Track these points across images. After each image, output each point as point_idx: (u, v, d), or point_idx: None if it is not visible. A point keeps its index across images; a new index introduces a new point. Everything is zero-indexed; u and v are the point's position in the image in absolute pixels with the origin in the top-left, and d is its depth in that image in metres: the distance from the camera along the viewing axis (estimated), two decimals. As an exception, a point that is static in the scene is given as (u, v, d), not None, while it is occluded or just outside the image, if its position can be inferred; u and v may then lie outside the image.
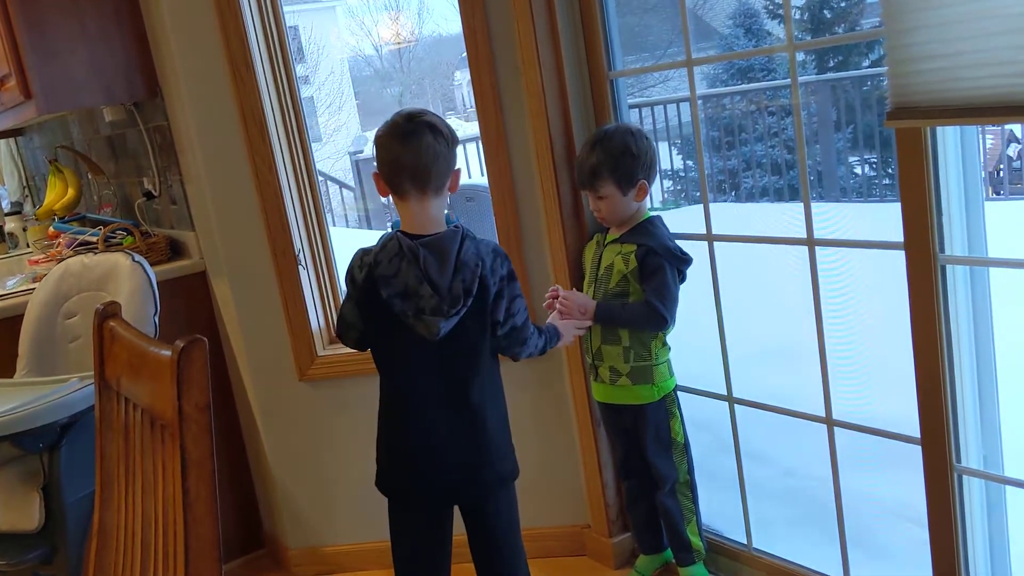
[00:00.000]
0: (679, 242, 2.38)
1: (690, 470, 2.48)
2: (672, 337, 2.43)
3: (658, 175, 2.46)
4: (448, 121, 2.01)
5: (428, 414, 2.02)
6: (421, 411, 2.03)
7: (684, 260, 2.35)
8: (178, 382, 1.17)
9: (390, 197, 2.05)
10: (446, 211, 2.05)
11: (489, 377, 2.06)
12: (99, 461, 1.51)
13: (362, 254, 2.01)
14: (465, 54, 2.57)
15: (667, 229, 2.40)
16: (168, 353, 1.20)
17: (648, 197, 2.39)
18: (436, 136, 1.95)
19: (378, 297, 1.95)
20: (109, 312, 1.52)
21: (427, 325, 1.92)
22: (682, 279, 2.37)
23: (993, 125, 6.24)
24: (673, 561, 2.59)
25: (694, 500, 2.49)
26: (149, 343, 1.34)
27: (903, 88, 1.67)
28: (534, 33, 2.42)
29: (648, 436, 2.43)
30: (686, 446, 2.47)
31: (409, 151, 1.94)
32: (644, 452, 2.46)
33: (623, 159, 2.31)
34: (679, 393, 2.47)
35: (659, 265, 2.32)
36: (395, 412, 2.08)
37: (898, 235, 1.87)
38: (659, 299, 2.31)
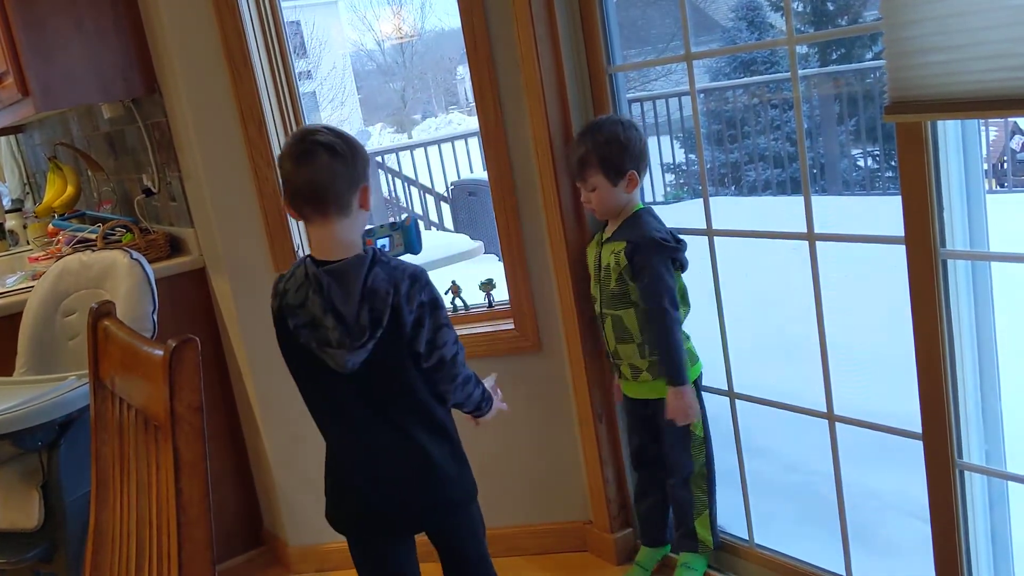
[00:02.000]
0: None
1: (708, 463, 2.46)
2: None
3: (650, 167, 2.45)
4: (346, 133, 1.88)
5: (363, 449, 1.92)
6: (356, 446, 1.93)
7: (674, 248, 2.32)
8: (170, 383, 1.16)
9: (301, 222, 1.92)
10: (410, 214, 1.99)
11: (427, 406, 1.92)
12: (95, 461, 1.51)
13: (277, 280, 1.91)
14: (467, 49, 2.56)
15: (656, 220, 2.38)
16: (160, 353, 1.20)
17: (639, 189, 2.38)
18: (332, 155, 1.80)
19: (287, 328, 1.85)
20: (103, 311, 1.51)
21: (332, 358, 1.80)
22: (681, 266, 2.35)
23: (996, 118, 6.22)
24: (671, 552, 2.59)
25: (710, 494, 2.48)
26: (142, 342, 1.33)
27: (903, 82, 1.66)
28: (533, 28, 2.40)
29: (668, 429, 2.42)
30: (706, 440, 2.45)
31: (303, 173, 1.81)
32: (662, 443, 2.45)
33: (611, 149, 2.30)
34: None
35: (644, 263, 2.29)
36: (331, 448, 1.98)
37: (901, 229, 1.86)
38: (650, 300, 2.29)
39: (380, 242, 2.13)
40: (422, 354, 1.86)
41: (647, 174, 2.40)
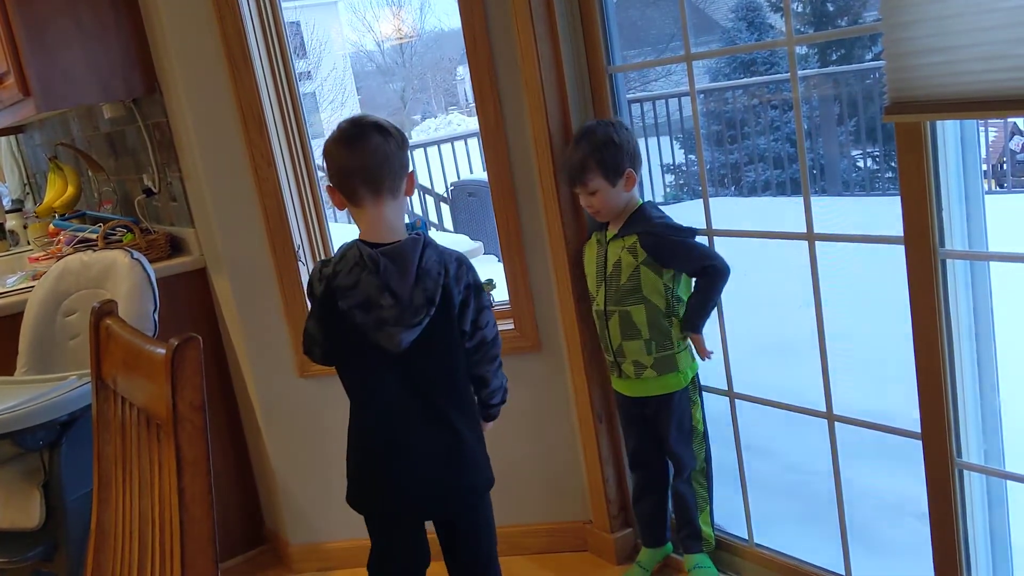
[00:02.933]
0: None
1: (707, 459, 2.49)
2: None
3: (645, 166, 2.47)
4: (397, 125, 1.97)
5: (398, 428, 1.97)
6: (391, 425, 1.98)
7: (689, 231, 2.36)
8: (172, 381, 1.16)
9: (347, 209, 1.99)
10: (414, 218, 2.05)
11: (463, 389, 2.01)
12: (96, 460, 1.51)
13: (321, 266, 1.97)
14: (467, 49, 2.56)
15: (660, 211, 2.42)
16: (162, 352, 1.20)
17: (637, 186, 2.40)
18: (385, 136, 1.89)
19: (337, 309, 1.91)
20: (105, 310, 1.51)
21: (389, 336, 1.88)
22: None
23: (995, 118, 6.22)
24: (674, 553, 2.60)
25: (709, 489, 2.50)
26: (144, 341, 1.34)
27: (902, 82, 1.67)
28: (533, 28, 2.41)
29: (671, 425, 2.43)
30: (705, 435, 2.48)
31: (358, 154, 1.88)
32: (664, 441, 2.46)
33: (607, 150, 2.33)
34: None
35: (671, 241, 2.34)
36: (365, 427, 2.03)
37: (900, 228, 1.87)
38: (701, 260, 2.32)
39: None
40: (467, 332, 1.96)
41: (641, 172, 2.42)
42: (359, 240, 1.93)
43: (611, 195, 2.36)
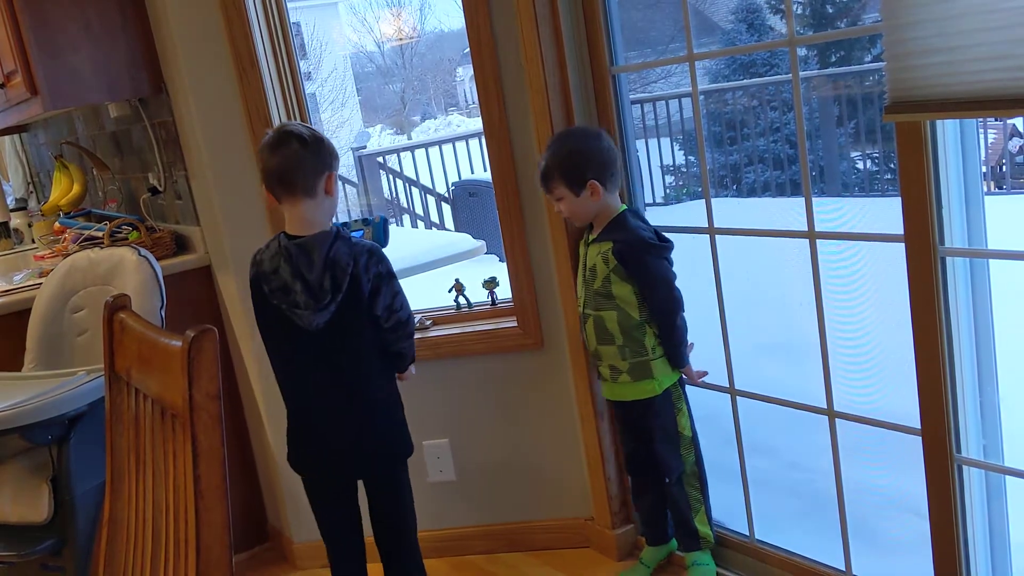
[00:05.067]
0: (675, 233, 2.39)
1: (698, 462, 2.50)
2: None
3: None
4: (317, 130, 2.20)
5: (316, 398, 2.23)
6: (310, 396, 2.24)
7: (663, 247, 2.36)
8: (189, 371, 1.18)
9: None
10: (385, 213, 2.15)
11: (376, 364, 2.23)
12: (109, 453, 1.53)
13: (255, 253, 2.22)
14: (467, 50, 2.58)
15: (641, 220, 2.42)
16: (179, 343, 1.22)
17: (616, 194, 2.39)
18: (302, 143, 2.13)
19: (262, 292, 2.17)
20: (119, 304, 1.54)
21: (301, 317, 2.12)
22: (670, 265, 2.39)
23: (995, 120, 6.25)
24: (677, 551, 2.62)
25: (702, 491, 2.51)
26: (160, 334, 1.36)
27: (902, 82, 1.69)
28: (537, 28, 2.43)
29: (656, 430, 2.45)
30: (694, 439, 2.49)
31: (276, 159, 2.13)
32: (651, 445, 2.48)
33: (571, 159, 2.34)
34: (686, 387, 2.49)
35: (639, 258, 2.34)
36: (289, 399, 2.30)
37: (899, 229, 1.89)
38: (658, 289, 2.34)
39: (354, 234, 2.31)
40: (381, 317, 2.18)
41: (615, 182, 2.39)
42: (283, 232, 2.18)
43: (576, 203, 2.37)
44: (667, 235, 2.41)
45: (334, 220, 2.28)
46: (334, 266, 2.10)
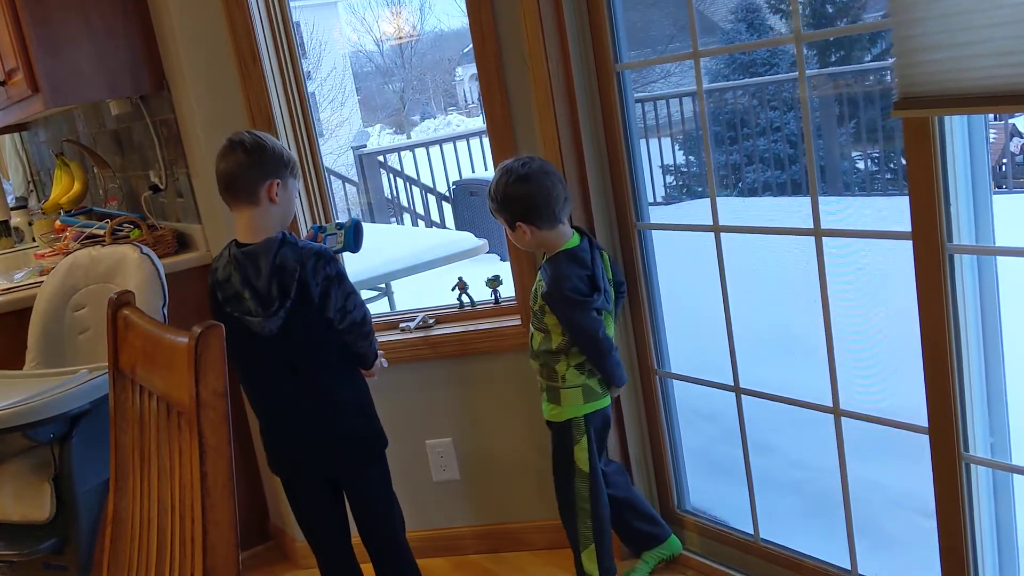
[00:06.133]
0: (680, 231, 2.38)
1: (592, 500, 2.41)
2: (679, 327, 2.43)
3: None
4: (267, 137, 2.22)
5: (280, 402, 2.26)
6: (274, 400, 2.28)
7: (584, 302, 2.30)
8: (196, 368, 1.17)
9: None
10: (344, 220, 2.27)
11: (335, 364, 2.25)
12: (114, 451, 1.52)
13: (213, 261, 2.26)
14: (467, 49, 2.59)
15: (576, 266, 2.32)
16: (184, 340, 1.21)
17: (543, 232, 2.32)
18: (246, 153, 2.15)
19: (218, 300, 2.21)
20: (123, 300, 1.53)
21: (254, 324, 2.14)
22: (597, 312, 2.33)
23: (996, 119, 6.24)
24: (680, 552, 2.61)
25: (595, 531, 2.43)
26: (165, 330, 1.35)
27: (910, 78, 1.68)
28: (541, 25, 2.42)
29: (554, 453, 2.46)
30: (592, 476, 2.41)
31: (221, 167, 2.18)
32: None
33: (504, 202, 2.34)
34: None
35: (560, 310, 2.32)
36: (256, 404, 2.34)
37: (903, 227, 1.88)
38: (579, 340, 2.34)
39: (328, 237, 2.33)
40: (334, 319, 2.19)
41: (552, 218, 2.31)
42: (234, 240, 2.21)
43: (515, 237, 2.39)
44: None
45: (315, 224, 2.29)
46: (281, 272, 2.11)
